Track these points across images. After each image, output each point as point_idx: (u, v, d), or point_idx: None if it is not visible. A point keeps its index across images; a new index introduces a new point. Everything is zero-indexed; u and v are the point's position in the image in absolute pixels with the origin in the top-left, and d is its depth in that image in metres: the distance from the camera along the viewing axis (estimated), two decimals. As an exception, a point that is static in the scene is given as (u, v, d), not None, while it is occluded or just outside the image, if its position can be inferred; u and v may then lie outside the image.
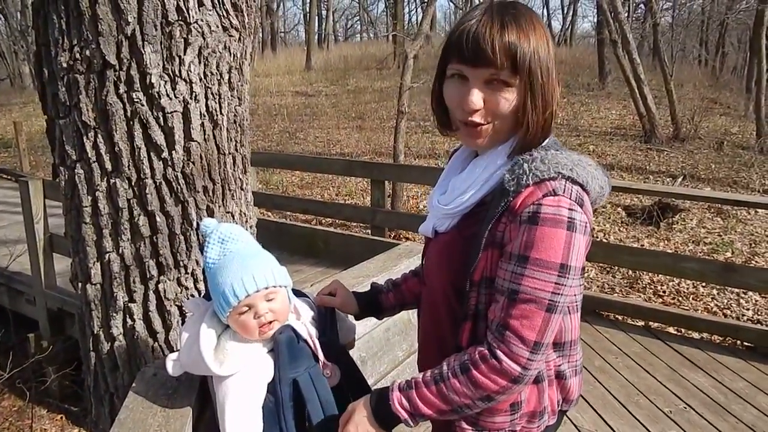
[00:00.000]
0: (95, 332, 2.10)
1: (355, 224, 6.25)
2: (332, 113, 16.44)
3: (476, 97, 1.12)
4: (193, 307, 1.40)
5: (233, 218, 2.20)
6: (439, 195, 1.34)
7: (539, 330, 1.08)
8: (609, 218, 7.35)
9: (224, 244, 1.36)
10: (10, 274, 4.85)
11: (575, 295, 1.21)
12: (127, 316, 2.05)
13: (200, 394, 1.43)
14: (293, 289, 1.45)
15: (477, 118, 1.14)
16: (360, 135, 13.86)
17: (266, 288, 1.31)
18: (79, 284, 2.08)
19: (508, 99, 1.12)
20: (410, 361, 2.28)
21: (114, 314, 2.05)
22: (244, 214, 2.29)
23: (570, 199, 1.08)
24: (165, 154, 1.95)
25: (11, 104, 20.38)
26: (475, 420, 1.22)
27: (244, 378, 1.30)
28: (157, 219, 1.99)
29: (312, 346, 1.40)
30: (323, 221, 7.36)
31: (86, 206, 1.97)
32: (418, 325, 1.48)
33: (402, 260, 2.43)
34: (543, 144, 1.19)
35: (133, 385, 1.43)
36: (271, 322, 1.33)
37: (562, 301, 1.09)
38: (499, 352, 1.09)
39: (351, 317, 1.63)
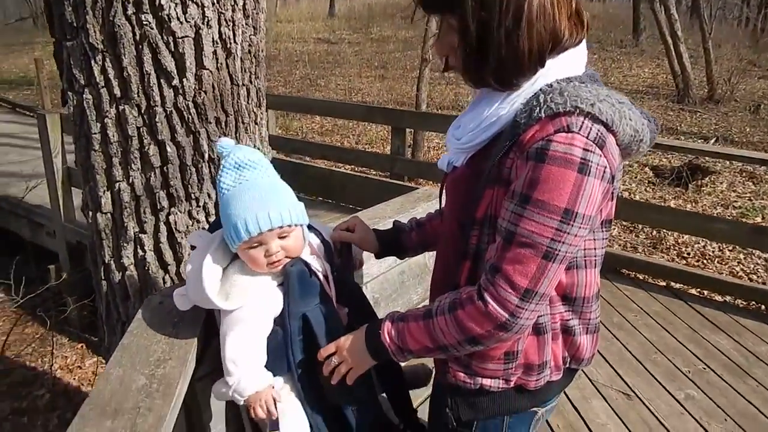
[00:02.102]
0: (106, 262, 2.07)
1: (374, 173, 6.15)
2: (354, 61, 16.09)
3: (437, 41, 1.14)
4: (197, 240, 1.34)
5: (247, 152, 2.13)
6: (454, 129, 1.25)
7: (532, 277, 1.00)
8: (635, 177, 7.14)
9: (240, 171, 1.27)
10: (30, 207, 4.90)
11: (594, 248, 1.13)
12: (138, 246, 2.02)
13: (206, 325, 1.38)
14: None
15: (443, 59, 1.15)
16: (382, 84, 13.58)
17: (281, 227, 1.24)
18: (90, 213, 2.04)
19: (452, 40, 1.08)
20: (425, 305, 2.23)
21: (125, 244, 2.02)
22: (258, 149, 2.21)
23: (586, 137, 0.97)
24: (175, 82, 1.87)
25: (34, 43, 20.33)
26: (467, 364, 1.17)
27: (250, 311, 1.25)
28: (168, 149, 1.93)
29: (324, 282, 1.34)
30: (342, 168, 7.27)
31: (95, 134, 1.91)
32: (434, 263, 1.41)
33: (420, 203, 2.35)
34: (575, 76, 1.07)
35: (139, 312, 1.39)
36: (281, 260, 1.27)
37: (563, 250, 1.00)
38: (486, 295, 1.03)
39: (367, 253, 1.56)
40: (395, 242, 1.53)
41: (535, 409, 1.24)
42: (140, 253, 2.02)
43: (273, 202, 1.24)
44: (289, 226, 1.26)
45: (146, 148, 1.91)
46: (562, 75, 1.07)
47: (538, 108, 1.01)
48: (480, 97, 1.16)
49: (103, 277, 2.11)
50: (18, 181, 5.12)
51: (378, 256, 1.54)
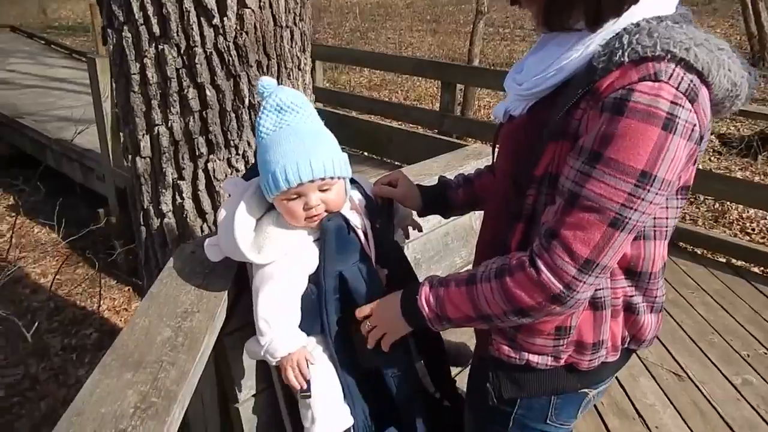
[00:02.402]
0: (145, 207, 2.04)
1: (422, 130, 5.97)
2: (406, 14, 15.64)
3: None
4: (232, 188, 1.26)
5: (289, 100, 2.03)
6: (515, 73, 1.10)
7: (595, 246, 0.88)
8: (699, 145, 6.70)
9: (282, 114, 1.17)
10: (82, 151, 4.99)
11: (666, 218, 0.99)
12: (176, 193, 1.97)
13: (238, 278, 1.32)
14: None
15: None
16: (434, 39, 13.17)
17: (322, 179, 1.14)
18: (129, 157, 2.00)
19: None
20: (469, 269, 2.12)
21: (163, 190, 1.97)
22: (302, 96, 2.10)
23: (676, 88, 0.82)
24: (216, 21, 1.77)
25: (91, -12, 20.55)
26: (513, 336, 1.06)
27: (283, 266, 1.17)
28: (207, 93, 1.84)
29: (363, 239, 1.24)
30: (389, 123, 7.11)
31: (134, 74, 1.84)
32: (481, 224, 1.29)
33: (469, 161, 2.21)
34: (666, 15, 0.91)
35: (170, 260, 1.34)
36: (320, 214, 1.17)
37: (634, 218, 0.87)
38: (539, 262, 0.91)
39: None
40: (440, 199, 1.41)
41: (585, 390, 1.13)
42: (178, 200, 1.98)
43: (315, 151, 1.14)
44: (332, 178, 1.16)
45: (185, 91, 1.83)
46: (650, 13, 0.91)
47: (620, 51, 0.86)
48: (548, 36, 1.01)
49: (142, 223, 2.08)
50: (71, 125, 5.21)
51: (421, 214, 1.43)
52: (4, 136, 6.21)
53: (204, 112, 1.87)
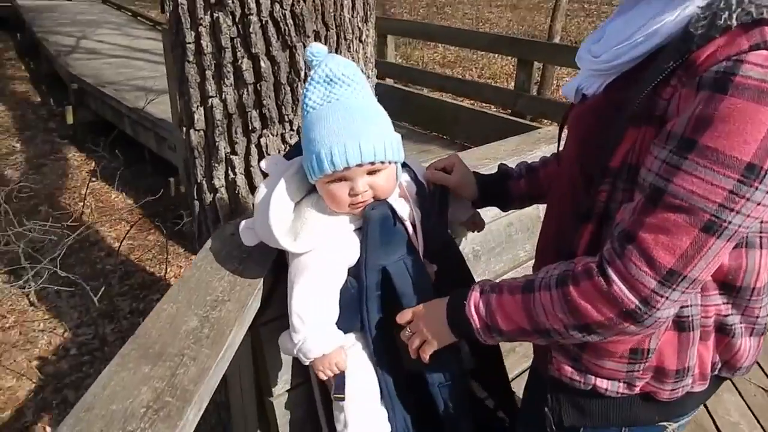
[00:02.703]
0: (198, 181, 2.00)
1: (494, 109, 5.70)
2: (486, -13, 15.05)
3: None
4: (272, 166, 1.16)
5: (348, 73, 1.91)
6: (591, 43, 0.92)
7: (682, 255, 0.72)
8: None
9: (331, 87, 1.05)
10: (156, 121, 5.12)
11: None
12: (229, 168, 1.91)
13: (277, 264, 1.22)
14: None
15: None
16: (513, 14, 12.64)
17: (372, 163, 1.02)
18: (184, 129, 1.95)
19: None
20: (531, 263, 1.95)
21: (216, 165, 1.92)
22: (361, 70, 1.98)
23: None
24: (273, -14, 1.67)
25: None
26: (576, 356, 0.91)
27: (321, 257, 1.06)
28: (262, 64, 1.75)
29: (411, 231, 1.11)
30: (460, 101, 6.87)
31: (189, 43, 1.77)
32: (542, 222, 1.13)
33: (540, 146, 2.02)
34: None
35: (209, 241, 1.26)
36: (366, 200, 1.05)
37: (735, 222, 0.70)
38: (610, 270, 0.76)
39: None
40: (499, 190, 1.25)
41: (664, 423, 0.96)
42: (231, 175, 1.92)
43: (366, 132, 1.01)
44: (382, 162, 1.03)
45: (239, 61, 1.75)
46: None
47: (726, 12, 0.68)
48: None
49: (195, 197, 2.04)
50: (148, 95, 5.35)
51: (476, 205, 1.28)
52: (89, 103, 6.50)
53: (258, 85, 1.78)
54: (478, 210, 1.32)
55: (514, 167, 1.27)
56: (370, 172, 1.04)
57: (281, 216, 1.05)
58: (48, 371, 3.32)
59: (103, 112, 6.20)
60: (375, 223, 1.05)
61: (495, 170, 1.29)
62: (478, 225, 1.36)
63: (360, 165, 1.01)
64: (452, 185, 1.21)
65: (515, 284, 0.89)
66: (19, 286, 3.85)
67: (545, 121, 5.44)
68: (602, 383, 0.90)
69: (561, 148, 1.05)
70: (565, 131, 1.03)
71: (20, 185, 5.08)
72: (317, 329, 1.05)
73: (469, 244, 1.73)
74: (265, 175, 1.20)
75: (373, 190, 1.05)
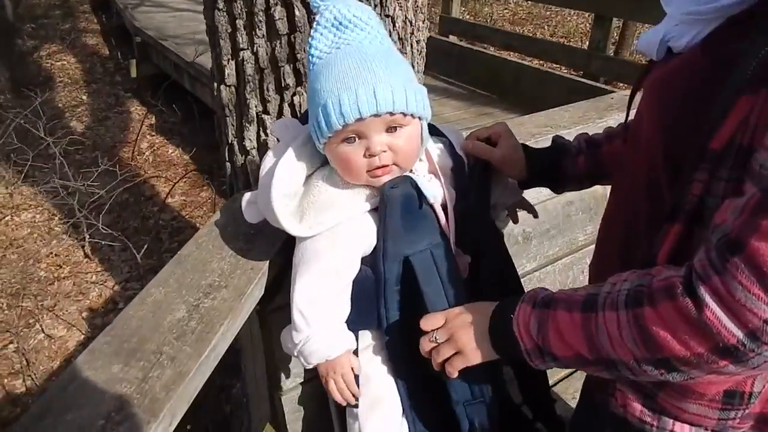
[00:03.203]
0: (230, 141, 1.86)
1: (565, 71, 5.27)
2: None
3: None
4: (283, 132, 0.99)
5: (393, 25, 1.69)
6: None
7: None
8: None
9: (341, 32, 0.87)
10: (201, 68, 5.02)
11: None
12: (261, 128, 1.76)
13: (289, 243, 1.06)
14: (429, 125, 0.94)
15: None
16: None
17: (391, 113, 0.83)
18: (215, 85, 1.81)
19: None
20: (591, 249, 1.71)
21: (247, 125, 1.76)
22: (410, 22, 1.75)
23: None
24: None
25: None
26: (651, 393, 0.71)
27: (331, 243, 0.89)
28: (296, 12, 1.56)
29: (441, 214, 0.92)
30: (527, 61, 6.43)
31: (219, -13, 1.61)
32: (604, 214, 0.91)
33: (611, 114, 1.75)
34: None
35: (217, 213, 1.11)
36: (386, 166, 0.86)
37: None
38: (703, 290, 0.56)
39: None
40: (552, 168, 1.03)
41: None
42: (263, 136, 1.76)
43: (382, 77, 0.82)
44: (404, 114, 0.84)
45: (272, 9, 1.56)
46: None
47: None
48: None
49: (227, 159, 1.91)
50: (197, 48, 5.26)
51: (524, 185, 1.07)
52: (151, 56, 6.53)
53: (292, 36, 1.60)
54: (527, 191, 1.11)
55: (572, 140, 1.04)
56: (389, 129, 0.85)
57: (285, 192, 0.88)
58: (97, 323, 3.39)
59: (164, 66, 6.21)
60: (395, 205, 0.87)
61: (549, 143, 1.06)
62: (527, 210, 1.14)
63: (376, 115, 0.83)
64: (496, 160, 1.00)
65: (575, 298, 0.69)
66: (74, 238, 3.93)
67: (621, 84, 4.98)
68: (682, 429, 0.70)
69: (632, 121, 0.82)
70: (638, 99, 0.80)
71: (83, 138, 5.19)
72: (323, 328, 0.89)
73: (519, 225, 1.51)
74: (266, 146, 1.03)
75: (392, 153, 0.86)
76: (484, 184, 1.00)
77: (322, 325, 0.89)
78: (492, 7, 9.74)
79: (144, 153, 5.32)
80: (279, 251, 1.04)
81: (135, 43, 6.59)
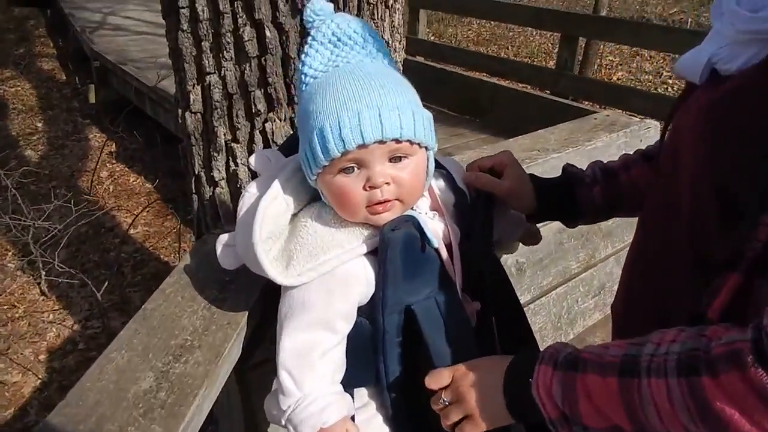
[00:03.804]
0: (197, 172, 1.73)
1: (531, 89, 5.30)
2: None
3: None
4: (262, 163, 0.88)
5: (371, 46, 1.61)
6: None
7: None
8: None
9: (339, 49, 0.78)
10: (163, 93, 4.84)
11: None
12: (230, 158, 1.64)
13: (270, 286, 0.94)
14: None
15: None
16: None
17: (397, 141, 0.73)
18: (180, 111, 1.68)
19: None
20: (585, 276, 1.64)
21: (215, 154, 1.64)
22: (387, 42, 1.67)
23: None
24: (280, -64, 1.37)
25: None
26: None
27: (322, 293, 0.78)
28: (267, 33, 1.46)
29: (444, 257, 0.82)
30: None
31: (183, 7, 1.49)
32: (630, 253, 0.82)
33: (599, 135, 1.69)
34: None
35: (186, 257, 0.99)
36: (388, 201, 0.75)
37: None
38: None
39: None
40: (565, 199, 0.94)
41: None
42: (232, 166, 1.64)
43: (388, 99, 0.72)
44: (410, 143, 0.74)
45: (240, 30, 1.46)
46: None
47: None
48: None
49: (194, 190, 1.78)
50: (160, 72, 5.09)
51: (534, 219, 0.97)
52: (111, 81, 6.32)
53: (263, 59, 1.49)
54: (534, 225, 1.01)
55: (585, 169, 0.96)
56: (393, 159, 0.75)
57: (271, 234, 0.77)
58: (54, 366, 3.16)
59: (124, 92, 6.01)
60: (396, 249, 0.76)
61: (558, 173, 0.97)
62: (534, 238, 1.05)
63: (381, 142, 0.72)
64: (503, 193, 0.90)
65: (607, 359, 0.59)
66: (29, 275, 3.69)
67: (586, 102, 5.03)
68: None
69: (662, 151, 0.74)
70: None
71: (38, 168, 4.94)
72: (315, 392, 0.77)
73: (511, 255, 1.42)
74: (254, 175, 0.92)
75: (396, 187, 0.76)
76: (488, 219, 0.90)
77: (315, 387, 0.77)
78: (456, 28, 9.85)
79: (104, 182, 5.10)
80: (258, 299, 0.92)
81: (93, 67, 6.37)
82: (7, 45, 8.61)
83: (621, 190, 0.92)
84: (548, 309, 1.55)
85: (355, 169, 0.75)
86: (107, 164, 5.42)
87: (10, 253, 4.08)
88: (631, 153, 0.94)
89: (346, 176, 0.76)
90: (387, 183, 0.75)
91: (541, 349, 0.67)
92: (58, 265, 3.51)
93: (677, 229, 0.66)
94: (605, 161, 0.96)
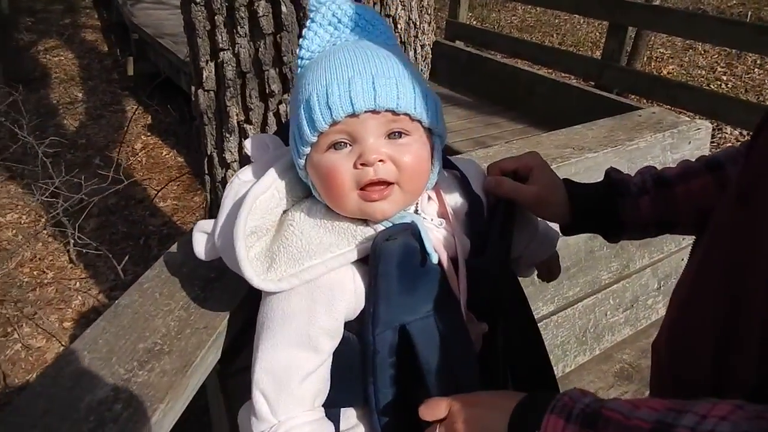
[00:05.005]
0: (209, 153, 1.67)
1: (575, 80, 5.06)
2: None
3: None
4: (259, 149, 0.79)
5: (395, 27, 1.49)
6: None
7: None
8: None
9: (339, 31, 0.70)
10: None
11: None
12: (242, 139, 1.56)
13: (257, 291, 0.86)
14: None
15: None
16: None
17: (393, 112, 0.64)
18: (193, 89, 1.61)
19: None
20: (617, 288, 1.51)
21: (227, 135, 1.57)
22: (414, 23, 1.55)
23: None
24: None
25: None
26: None
27: (307, 303, 0.69)
28: (283, 9, 1.37)
29: (449, 271, 0.72)
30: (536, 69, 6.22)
31: (198, -21, 1.41)
32: (682, 285, 0.70)
33: (643, 134, 1.54)
34: None
35: (173, 247, 0.91)
36: (386, 184, 0.66)
37: None
38: None
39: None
40: (606, 210, 0.81)
41: None
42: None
43: (385, 69, 0.64)
44: (410, 119, 0.65)
45: (255, 5, 1.37)
46: None
47: None
48: None
49: (206, 172, 1.72)
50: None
51: (567, 231, 0.85)
52: (149, 54, 6.35)
53: (278, 36, 1.40)
54: (566, 237, 0.88)
55: (633, 176, 0.82)
56: (391, 134, 0.65)
57: (257, 228, 0.69)
58: (77, 334, 3.17)
59: (160, 65, 6.02)
60: (390, 261, 0.66)
61: (599, 178, 0.85)
62: (552, 273, 0.93)
63: (374, 112, 0.63)
64: (528, 200, 0.78)
65: (634, 422, 0.48)
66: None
67: (633, 96, 4.78)
68: None
69: (743, 173, 0.61)
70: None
71: (75, 137, 5.00)
72: (293, 420, 0.68)
73: (536, 261, 1.31)
74: (247, 160, 0.83)
75: (393, 164, 0.66)
76: (506, 231, 0.78)
77: (292, 415, 0.68)
78: (500, 13, 9.55)
79: (138, 154, 5.13)
80: (244, 300, 0.84)
81: (132, 40, 6.41)
82: (54, 15, 8.77)
83: (676, 203, 0.78)
84: (573, 321, 1.42)
85: (347, 145, 0.66)
86: (141, 136, 5.46)
87: (42, 220, 4.14)
88: (693, 160, 0.80)
89: (335, 152, 0.66)
90: (382, 161, 0.65)
91: (560, 380, 0.57)
92: (83, 236, 3.53)
93: (750, 271, 0.53)
94: (658, 167, 0.82)
